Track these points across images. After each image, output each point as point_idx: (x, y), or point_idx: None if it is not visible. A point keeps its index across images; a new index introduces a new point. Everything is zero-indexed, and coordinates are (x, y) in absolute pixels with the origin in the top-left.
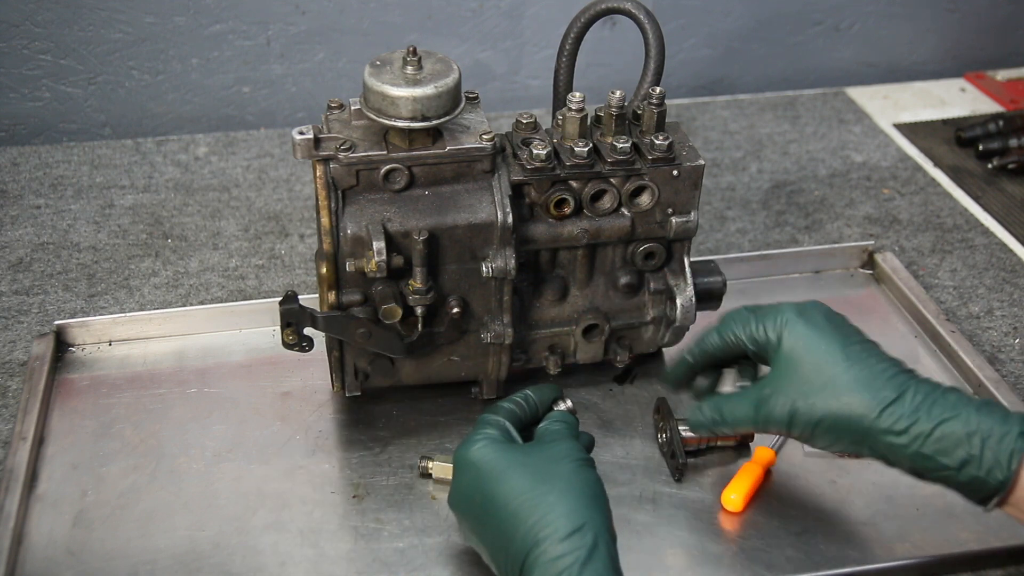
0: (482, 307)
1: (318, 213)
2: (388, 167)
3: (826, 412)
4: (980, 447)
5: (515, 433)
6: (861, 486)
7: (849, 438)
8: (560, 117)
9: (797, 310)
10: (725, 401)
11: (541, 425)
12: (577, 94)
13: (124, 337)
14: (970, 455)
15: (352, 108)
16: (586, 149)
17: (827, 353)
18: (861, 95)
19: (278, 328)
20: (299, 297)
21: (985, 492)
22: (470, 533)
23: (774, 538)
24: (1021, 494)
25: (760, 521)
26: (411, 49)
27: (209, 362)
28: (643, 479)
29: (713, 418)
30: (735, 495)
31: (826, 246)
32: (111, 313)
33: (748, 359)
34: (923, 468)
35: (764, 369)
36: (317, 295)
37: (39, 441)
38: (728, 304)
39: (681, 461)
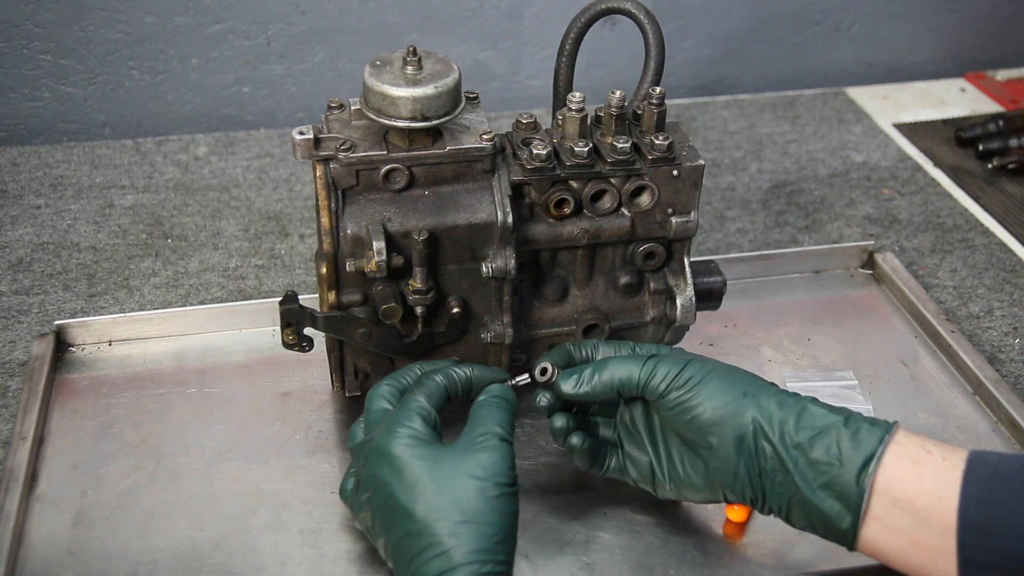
0: (482, 307)
1: (318, 213)
2: (388, 167)
3: (721, 390)
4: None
5: (438, 421)
6: None
7: (734, 423)
8: (560, 117)
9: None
10: (608, 361)
11: (475, 404)
12: (577, 94)
13: (124, 337)
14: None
15: (352, 108)
16: (586, 149)
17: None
18: (861, 95)
19: (278, 328)
20: (299, 297)
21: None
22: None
23: (779, 535)
24: (876, 509)
25: (762, 519)
26: (411, 49)
27: (209, 362)
28: None
29: (595, 375)
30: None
31: (826, 246)
32: (111, 313)
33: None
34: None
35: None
36: (317, 295)
37: (39, 441)
38: (728, 304)
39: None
